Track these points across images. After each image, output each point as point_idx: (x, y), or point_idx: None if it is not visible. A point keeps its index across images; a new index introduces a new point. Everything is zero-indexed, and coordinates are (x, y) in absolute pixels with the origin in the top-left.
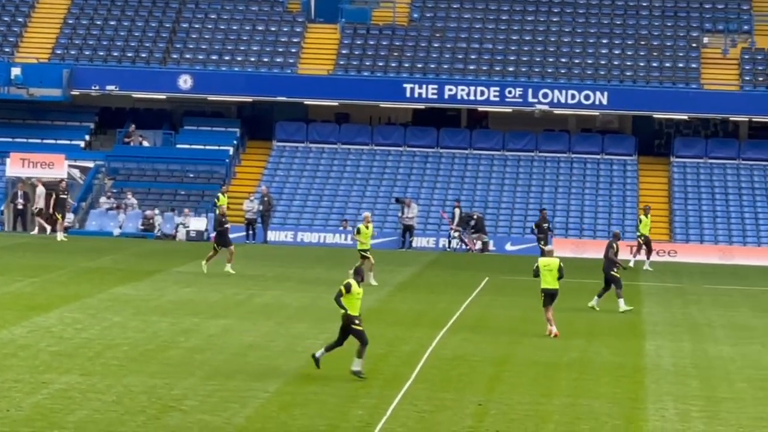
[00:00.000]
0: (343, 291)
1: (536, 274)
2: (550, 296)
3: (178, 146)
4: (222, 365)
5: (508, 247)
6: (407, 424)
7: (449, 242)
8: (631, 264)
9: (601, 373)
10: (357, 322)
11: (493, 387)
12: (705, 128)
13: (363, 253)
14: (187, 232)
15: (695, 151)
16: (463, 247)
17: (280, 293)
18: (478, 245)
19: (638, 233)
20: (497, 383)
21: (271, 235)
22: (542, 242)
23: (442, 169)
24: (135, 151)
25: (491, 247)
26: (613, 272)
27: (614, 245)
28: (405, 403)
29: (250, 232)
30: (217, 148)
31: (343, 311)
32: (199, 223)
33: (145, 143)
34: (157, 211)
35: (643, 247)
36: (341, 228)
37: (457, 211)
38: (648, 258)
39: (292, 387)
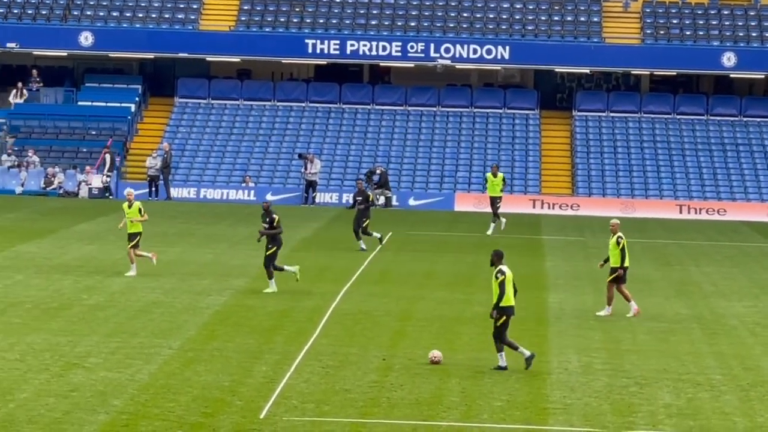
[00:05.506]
0: None
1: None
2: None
3: (80, 103)
4: (125, 322)
5: (411, 201)
6: (311, 379)
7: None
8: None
9: None
10: None
11: (397, 342)
12: (607, 82)
13: (132, 238)
14: (89, 190)
15: (597, 104)
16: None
17: (183, 250)
18: (382, 200)
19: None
20: (401, 338)
21: (174, 192)
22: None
23: (345, 124)
24: (36, 108)
25: (394, 202)
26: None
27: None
28: (309, 359)
29: (153, 188)
30: (118, 105)
31: None
32: (100, 181)
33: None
34: (58, 169)
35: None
36: (243, 184)
37: (108, 156)
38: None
39: (195, 343)
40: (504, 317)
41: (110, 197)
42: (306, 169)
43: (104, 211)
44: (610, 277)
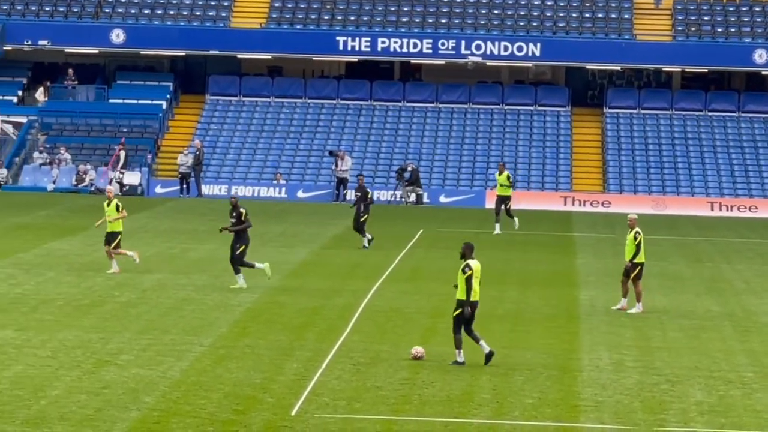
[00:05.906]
0: None
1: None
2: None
3: (111, 101)
4: (157, 319)
5: (442, 199)
6: (343, 376)
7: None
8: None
9: (535, 324)
10: None
11: (428, 339)
12: (638, 79)
13: (111, 237)
14: (121, 187)
15: (628, 101)
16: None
17: (214, 247)
18: (413, 197)
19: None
20: (432, 335)
21: (205, 189)
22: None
23: (376, 121)
24: (68, 106)
25: (425, 199)
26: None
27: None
28: (340, 356)
29: (184, 186)
30: (150, 102)
31: None
32: (132, 178)
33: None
34: (89, 166)
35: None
36: (275, 181)
37: (122, 153)
38: (510, 218)
39: (227, 341)
40: (461, 310)
41: (139, 192)
42: (337, 166)
43: (135, 209)
44: (634, 273)
